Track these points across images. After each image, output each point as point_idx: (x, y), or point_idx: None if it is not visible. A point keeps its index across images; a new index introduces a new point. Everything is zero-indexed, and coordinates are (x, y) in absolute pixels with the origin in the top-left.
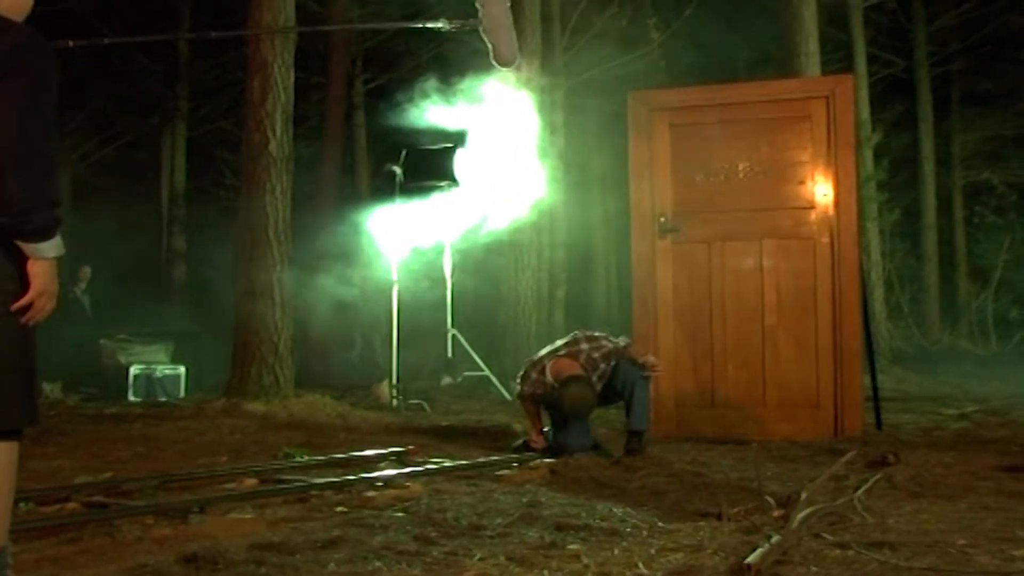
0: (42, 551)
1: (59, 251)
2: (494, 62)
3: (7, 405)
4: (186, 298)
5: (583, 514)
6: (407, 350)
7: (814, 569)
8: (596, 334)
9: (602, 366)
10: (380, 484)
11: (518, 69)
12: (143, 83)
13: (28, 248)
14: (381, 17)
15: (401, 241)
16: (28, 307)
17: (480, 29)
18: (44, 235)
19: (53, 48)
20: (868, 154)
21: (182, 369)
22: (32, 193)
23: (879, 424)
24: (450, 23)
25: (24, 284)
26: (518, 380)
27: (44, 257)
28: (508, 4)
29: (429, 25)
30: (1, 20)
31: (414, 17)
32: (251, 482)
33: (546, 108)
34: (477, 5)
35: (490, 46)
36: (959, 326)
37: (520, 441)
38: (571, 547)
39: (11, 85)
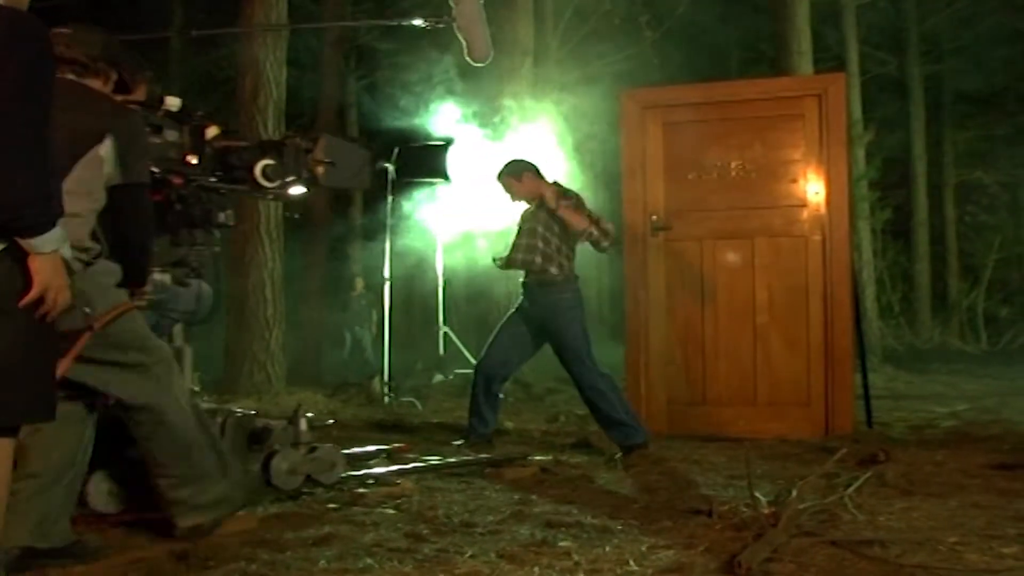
0: None
1: (58, 244)
2: (468, 59)
3: (12, 401)
4: None
5: (574, 511)
6: (398, 348)
7: (804, 567)
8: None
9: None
10: (371, 481)
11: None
12: None
13: (25, 244)
14: (375, 15)
15: (393, 239)
16: (38, 304)
17: (454, 26)
18: (39, 230)
19: (47, 31)
20: (860, 153)
21: None
22: (24, 189)
23: (870, 422)
24: (426, 21)
25: (28, 281)
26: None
27: (42, 252)
28: (480, 1)
29: (406, 23)
30: None
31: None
32: None
33: (538, 105)
34: (451, 3)
35: (464, 43)
36: (950, 325)
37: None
38: (562, 544)
39: None
